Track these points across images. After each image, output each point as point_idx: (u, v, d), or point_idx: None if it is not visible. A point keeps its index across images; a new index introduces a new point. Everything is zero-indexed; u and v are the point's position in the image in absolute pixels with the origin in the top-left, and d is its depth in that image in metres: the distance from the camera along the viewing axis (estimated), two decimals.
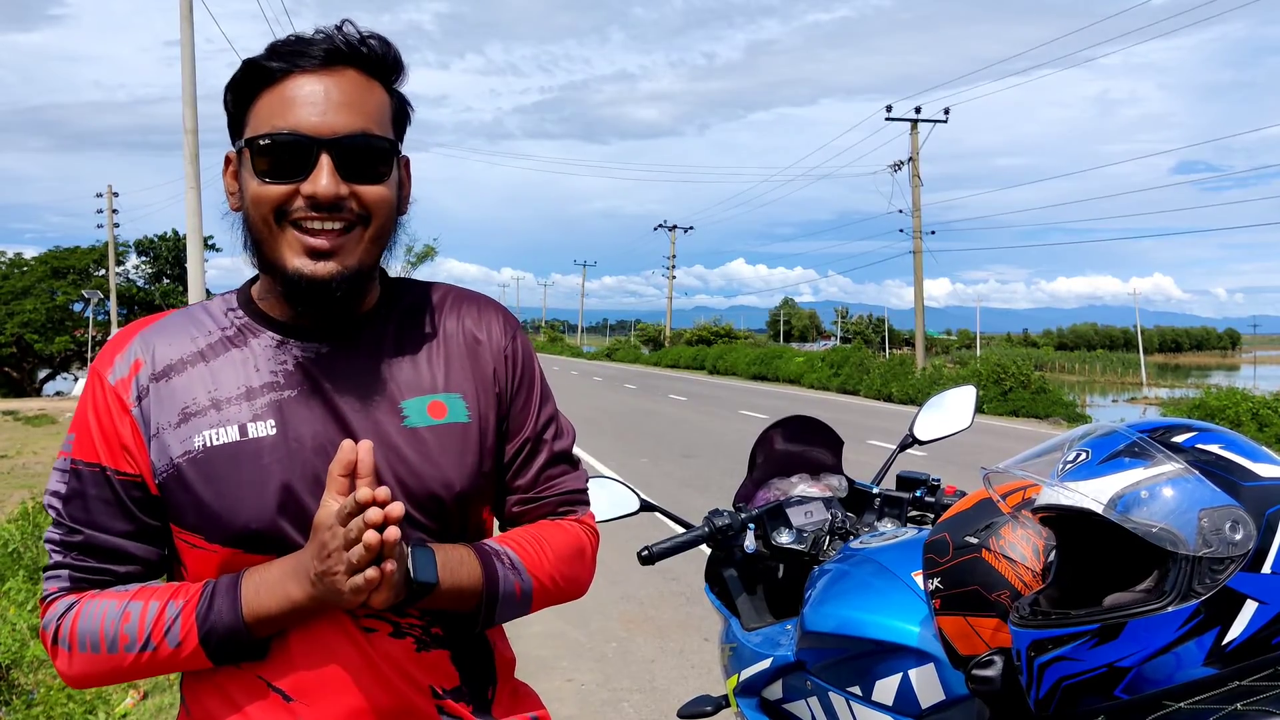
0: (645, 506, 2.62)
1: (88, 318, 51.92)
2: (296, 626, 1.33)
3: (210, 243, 75.25)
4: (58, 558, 1.35)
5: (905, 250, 35.97)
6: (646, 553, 2.44)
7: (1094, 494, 1.38)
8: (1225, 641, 1.33)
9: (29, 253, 58.94)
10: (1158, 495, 1.35)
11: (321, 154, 1.29)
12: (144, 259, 65.78)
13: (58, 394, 51.82)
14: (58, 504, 1.35)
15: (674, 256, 71.58)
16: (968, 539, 1.74)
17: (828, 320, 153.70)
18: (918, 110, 35.20)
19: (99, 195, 57.80)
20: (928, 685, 1.90)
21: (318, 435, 1.34)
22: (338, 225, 1.31)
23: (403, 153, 1.42)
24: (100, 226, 57.79)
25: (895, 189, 36.03)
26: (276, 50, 1.33)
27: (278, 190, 1.30)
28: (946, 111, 35.07)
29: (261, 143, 1.30)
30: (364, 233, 1.34)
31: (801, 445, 2.73)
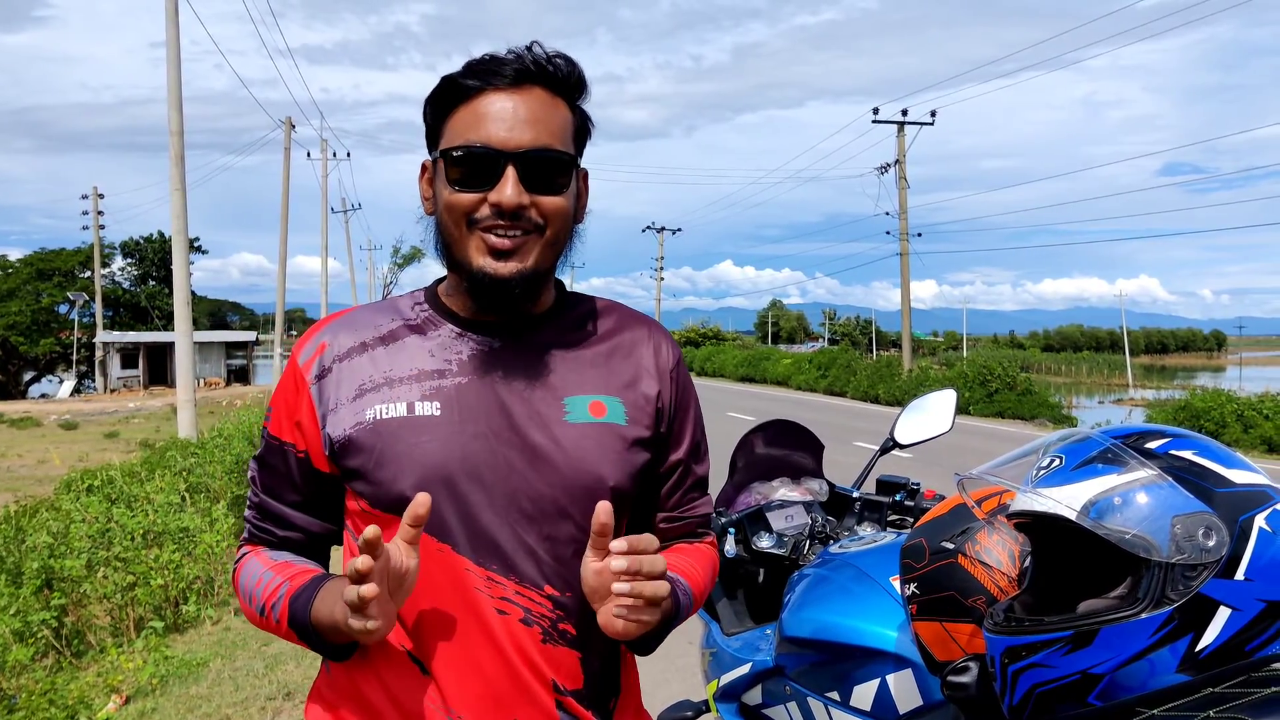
0: None
1: (73, 320, 51.72)
2: (427, 603, 1.41)
3: (196, 245, 75.16)
4: (249, 513, 1.56)
5: (892, 252, 36.05)
6: None
7: (1067, 500, 1.38)
8: (1199, 648, 1.33)
9: (14, 255, 58.62)
10: (1131, 502, 1.35)
11: (508, 166, 1.40)
12: (130, 261, 65.53)
13: (43, 396, 51.59)
14: (254, 467, 1.54)
15: (662, 258, 71.60)
16: (944, 544, 1.74)
17: (815, 322, 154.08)
18: (904, 113, 35.26)
19: (84, 197, 57.57)
20: (905, 690, 1.90)
21: (479, 420, 1.43)
22: (518, 231, 1.42)
23: (582, 166, 1.53)
24: (86, 229, 57.57)
25: (882, 191, 36.10)
26: (472, 68, 1.44)
27: (468, 198, 1.41)
28: (933, 114, 35.14)
29: (455, 154, 1.42)
30: (541, 238, 1.44)
31: (783, 449, 2.74)
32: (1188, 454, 1.40)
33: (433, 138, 1.49)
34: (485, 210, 1.41)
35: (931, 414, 2.84)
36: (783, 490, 2.66)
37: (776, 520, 2.56)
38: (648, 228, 71.70)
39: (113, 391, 52.03)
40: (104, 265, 58.76)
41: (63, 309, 54.57)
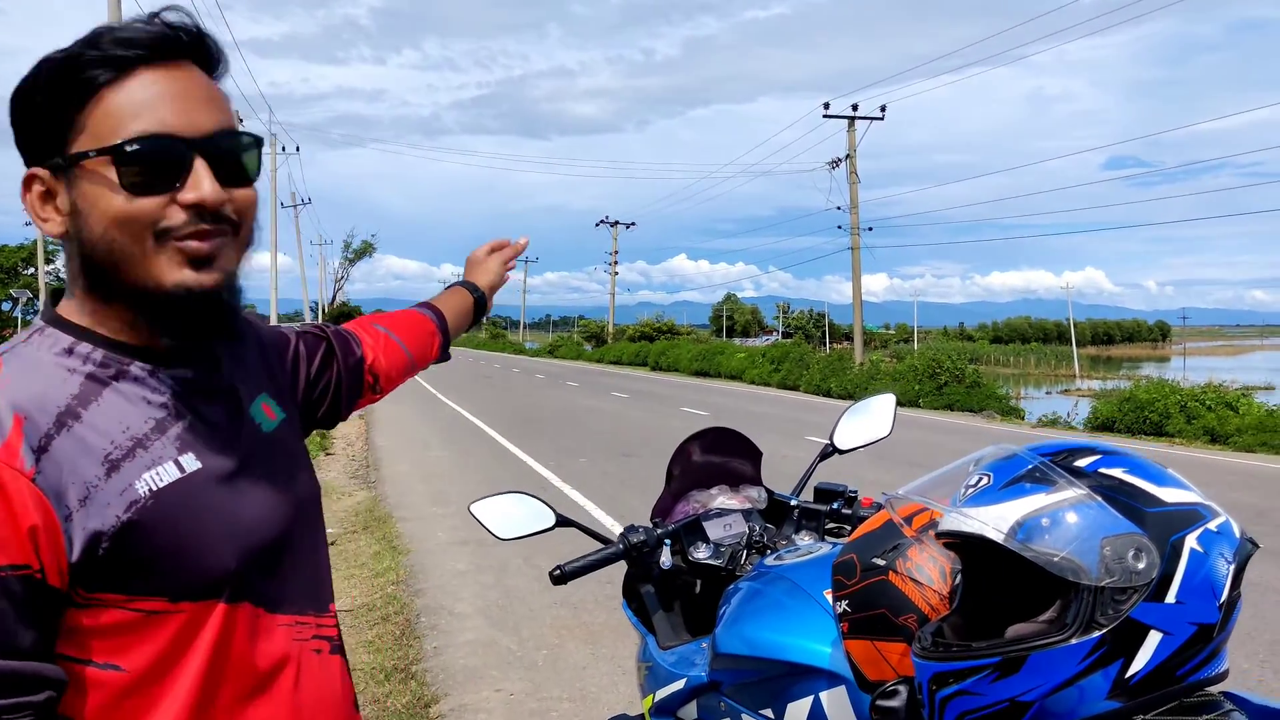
0: (561, 522, 2.54)
1: (16, 318, 50.65)
2: None
3: None
4: None
5: (844, 246, 36.26)
6: (559, 572, 2.37)
7: (994, 521, 1.33)
8: (1129, 674, 1.29)
9: None
10: (1059, 523, 1.31)
11: (196, 157, 1.16)
12: None
13: None
14: None
15: (616, 253, 71.51)
16: (875, 560, 1.70)
17: (770, 315, 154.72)
18: (854, 108, 35.45)
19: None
20: (839, 708, 1.85)
21: (232, 460, 1.25)
22: (215, 234, 1.19)
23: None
24: (29, 224, 56.45)
25: (834, 186, 36.32)
26: (105, 42, 1.15)
27: (151, 204, 1.14)
28: (883, 109, 35.36)
29: (129, 150, 1.12)
30: (236, 238, 1.23)
31: (720, 456, 2.69)
32: (1118, 472, 1.37)
33: (51, 137, 1.16)
34: (177, 215, 1.15)
35: (871, 418, 2.80)
36: (721, 498, 2.61)
37: (714, 529, 2.50)
38: (601, 222, 71.58)
39: None
40: (48, 262, 57.57)
41: (5, 306, 53.44)
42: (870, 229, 36.40)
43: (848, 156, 35.77)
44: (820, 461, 2.78)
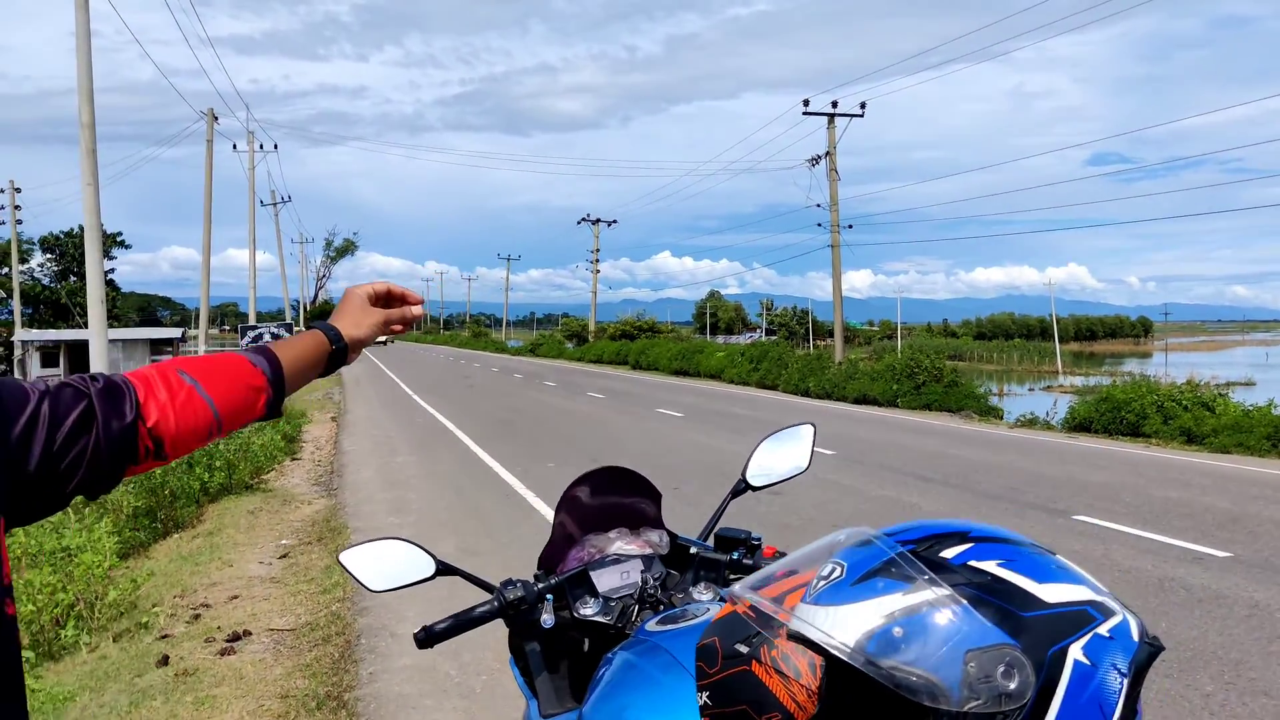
0: (442, 570, 2.30)
1: None
2: None
3: (120, 239, 73.33)
4: None
5: (826, 244, 36.06)
6: (424, 634, 2.15)
7: (840, 631, 1.11)
8: None
9: None
10: (915, 632, 1.08)
11: None
12: (50, 256, 63.78)
13: None
14: None
15: (597, 251, 71.15)
16: (738, 647, 1.47)
17: (753, 312, 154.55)
18: (834, 105, 35.26)
19: (0, 191, 55.85)
20: None
21: None
22: None
23: None
24: (2, 223, 55.90)
25: (814, 183, 36.08)
26: None
27: None
28: (863, 106, 35.19)
29: None
30: None
31: (618, 496, 2.46)
32: (990, 565, 1.14)
33: None
34: None
35: (788, 452, 2.58)
36: (619, 542, 2.38)
37: (606, 579, 2.27)
38: (582, 220, 71.22)
39: None
40: (22, 261, 57.01)
41: None
42: (850, 227, 36.26)
43: (827, 154, 35.58)
44: (732, 499, 2.55)
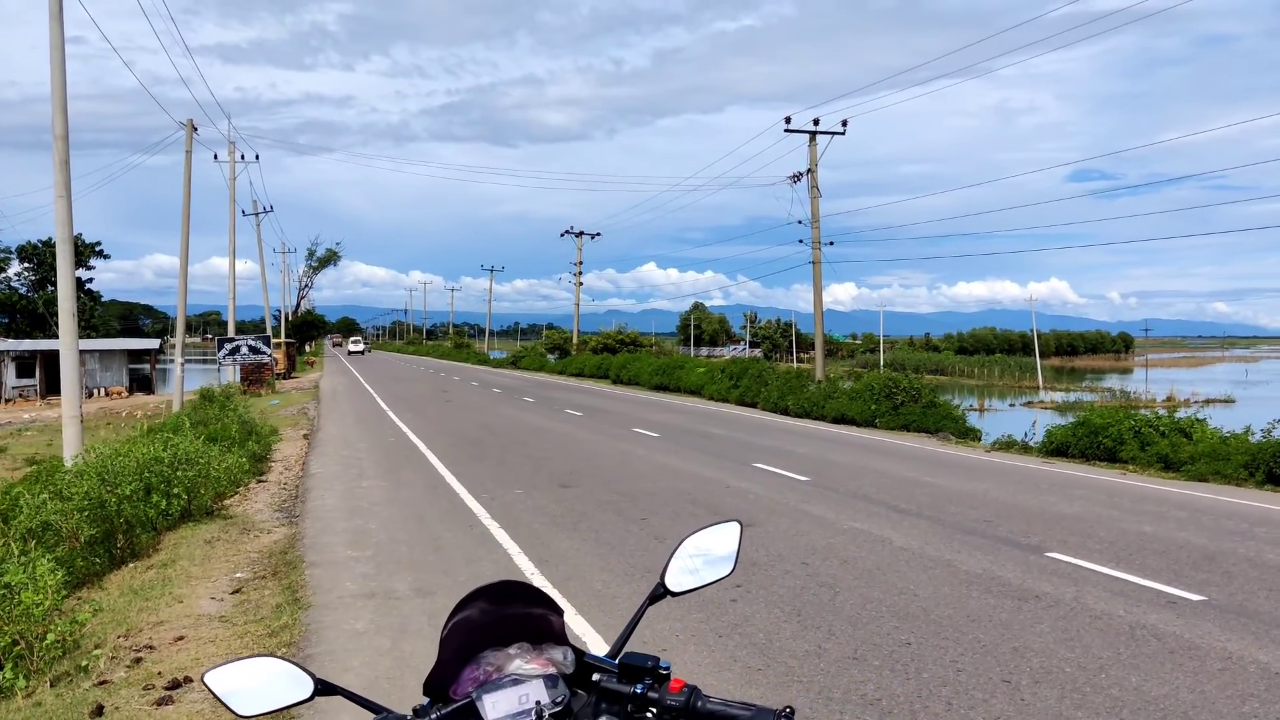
0: (322, 689, 2.07)
1: None
2: None
3: (98, 249, 72.73)
4: None
5: (808, 259, 35.97)
6: None
7: None
8: None
9: None
10: None
11: None
12: (27, 265, 63.22)
13: None
14: None
15: (580, 263, 70.90)
16: None
17: (737, 324, 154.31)
18: (815, 122, 35.21)
19: None
20: None
21: None
22: None
23: None
24: None
25: (795, 199, 36.00)
26: None
27: None
28: (844, 124, 35.13)
29: None
30: None
31: (519, 606, 2.23)
32: None
33: None
34: None
35: (710, 555, 2.38)
36: (518, 660, 2.16)
37: (505, 703, 2.05)
38: (566, 232, 71.00)
39: (8, 402, 50.07)
40: (0, 270, 56.47)
41: None
42: (831, 243, 36.17)
43: (809, 171, 35.50)
44: (649, 605, 2.33)
